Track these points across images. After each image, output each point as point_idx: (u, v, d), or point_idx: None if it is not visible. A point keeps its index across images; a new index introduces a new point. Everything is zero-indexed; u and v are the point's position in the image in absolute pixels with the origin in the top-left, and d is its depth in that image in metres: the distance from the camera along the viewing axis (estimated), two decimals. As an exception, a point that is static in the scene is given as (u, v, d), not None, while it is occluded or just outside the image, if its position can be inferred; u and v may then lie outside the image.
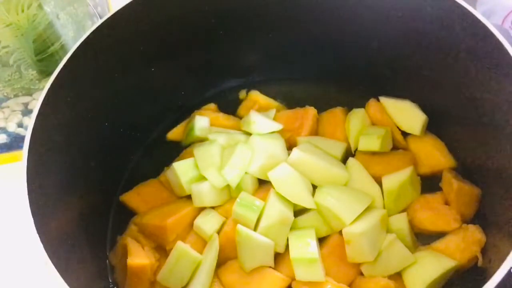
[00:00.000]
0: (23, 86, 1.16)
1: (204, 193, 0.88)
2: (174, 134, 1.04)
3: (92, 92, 0.86)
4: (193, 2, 0.91)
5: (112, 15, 0.84)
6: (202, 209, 0.90)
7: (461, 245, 0.83)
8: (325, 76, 1.04)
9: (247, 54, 1.05)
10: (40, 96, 0.77)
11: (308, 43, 1.01)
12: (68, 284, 0.65)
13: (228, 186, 0.89)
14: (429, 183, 0.92)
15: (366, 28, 0.93)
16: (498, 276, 0.62)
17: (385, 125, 0.97)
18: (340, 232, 0.83)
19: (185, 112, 1.05)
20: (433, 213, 0.87)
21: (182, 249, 0.84)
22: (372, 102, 1.00)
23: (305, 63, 1.05)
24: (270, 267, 0.85)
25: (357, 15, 0.91)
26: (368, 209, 0.86)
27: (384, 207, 0.88)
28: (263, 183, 0.92)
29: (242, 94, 1.08)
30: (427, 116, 0.95)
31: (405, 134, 0.97)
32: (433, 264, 0.81)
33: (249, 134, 0.96)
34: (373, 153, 0.94)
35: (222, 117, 1.03)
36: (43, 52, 1.10)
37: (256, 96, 1.05)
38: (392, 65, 0.96)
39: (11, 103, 1.17)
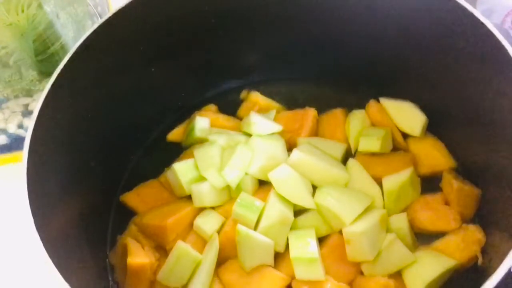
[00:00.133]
0: (23, 87, 1.16)
1: (204, 194, 0.88)
2: (174, 135, 1.04)
3: (92, 92, 0.86)
4: (193, 2, 0.91)
5: (112, 15, 0.84)
6: (202, 209, 0.90)
7: (461, 244, 0.83)
8: (325, 77, 1.04)
9: (247, 54, 1.05)
10: (40, 97, 0.77)
11: (308, 43, 1.01)
12: (68, 284, 0.65)
13: (228, 186, 0.89)
14: (429, 184, 0.92)
15: (366, 28, 0.93)
16: (498, 275, 0.62)
17: (385, 126, 0.97)
18: (340, 232, 0.83)
19: (185, 112, 1.05)
20: (433, 213, 0.87)
21: (182, 248, 0.84)
22: (372, 103, 1.00)
23: (305, 63, 1.05)
24: (270, 266, 0.85)
25: (357, 15, 0.91)
26: (368, 209, 0.85)
27: (384, 208, 0.88)
28: (263, 184, 0.92)
29: (243, 94, 1.08)
30: (427, 116, 0.95)
31: (405, 135, 0.97)
32: (433, 263, 0.81)
33: (249, 135, 0.96)
34: (373, 154, 0.94)
35: (222, 118, 1.03)
36: (43, 52, 1.10)
37: (256, 97, 1.05)
38: (392, 66, 0.96)
39: (11, 104, 1.17)
